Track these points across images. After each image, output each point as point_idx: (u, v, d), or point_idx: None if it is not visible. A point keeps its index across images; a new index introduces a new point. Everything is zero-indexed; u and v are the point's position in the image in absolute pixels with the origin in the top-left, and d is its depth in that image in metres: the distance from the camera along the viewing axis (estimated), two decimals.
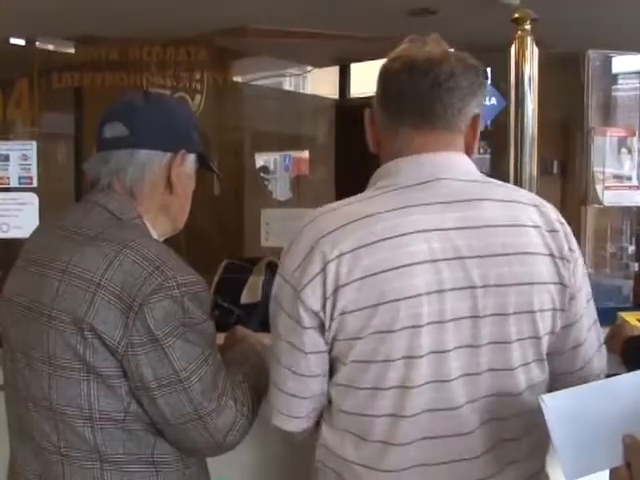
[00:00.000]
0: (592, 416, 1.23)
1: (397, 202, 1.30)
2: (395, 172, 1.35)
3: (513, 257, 1.30)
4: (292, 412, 1.39)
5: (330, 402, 1.37)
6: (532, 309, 1.31)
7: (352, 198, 1.35)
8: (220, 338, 2.12)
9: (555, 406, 1.22)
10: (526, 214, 1.34)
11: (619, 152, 2.20)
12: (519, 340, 1.32)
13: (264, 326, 2.23)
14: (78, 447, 1.35)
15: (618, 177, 2.19)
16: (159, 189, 1.49)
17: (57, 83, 3.83)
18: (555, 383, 1.39)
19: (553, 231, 1.35)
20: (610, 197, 2.16)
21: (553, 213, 1.38)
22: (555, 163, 4.32)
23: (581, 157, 2.38)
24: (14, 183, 2.60)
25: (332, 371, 1.35)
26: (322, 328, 1.29)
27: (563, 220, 1.39)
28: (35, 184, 2.61)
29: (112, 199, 1.45)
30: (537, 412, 1.26)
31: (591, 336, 1.42)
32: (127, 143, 1.46)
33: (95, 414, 1.33)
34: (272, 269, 2.64)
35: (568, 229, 1.38)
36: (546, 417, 1.22)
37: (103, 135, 1.49)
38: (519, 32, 2.04)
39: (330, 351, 1.32)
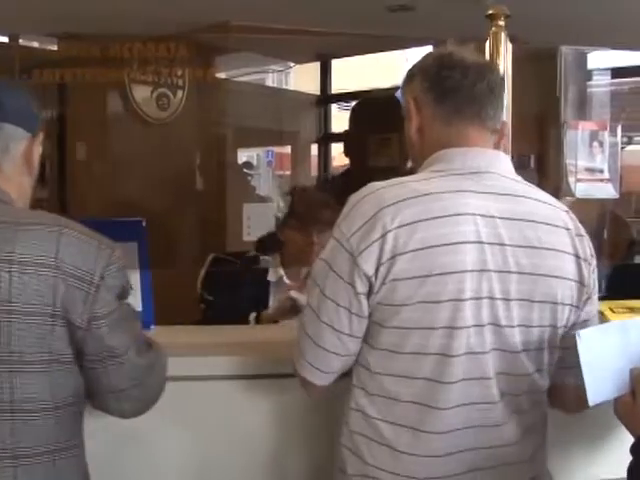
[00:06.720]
0: (613, 350, 1.39)
1: (452, 186, 1.44)
2: (448, 160, 1.48)
3: (546, 251, 1.44)
4: (323, 366, 1.48)
5: (365, 367, 1.46)
6: (555, 300, 1.45)
7: (409, 177, 1.50)
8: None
9: (588, 339, 1.38)
10: (559, 216, 1.49)
11: (591, 145, 2.25)
12: (540, 327, 1.45)
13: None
14: (34, 443, 1.32)
15: (590, 170, 2.23)
16: (21, 168, 1.45)
17: (39, 80, 3.84)
18: (561, 376, 1.52)
19: (580, 235, 1.50)
20: (582, 189, 2.20)
21: (578, 221, 1.53)
22: (532, 157, 4.37)
23: (556, 151, 2.42)
24: None
25: (367, 335, 1.45)
26: (370, 293, 1.40)
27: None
28: None
29: None
30: (542, 392, 1.49)
31: None
32: None
33: (58, 403, 1.34)
34: (217, 264, 2.72)
35: (588, 237, 1.54)
36: (579, 350, 1.36)
37: None
38: (493, 28, 2.07)
39: (369, 315, 1.43)
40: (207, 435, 1.79)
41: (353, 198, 1.46)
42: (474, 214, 1.41)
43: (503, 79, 1.56)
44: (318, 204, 2.66)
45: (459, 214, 1.40)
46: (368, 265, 1.38)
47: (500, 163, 1.51)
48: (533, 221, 1.45)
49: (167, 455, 1.78)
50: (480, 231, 1.40)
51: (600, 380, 1.37)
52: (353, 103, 4.34)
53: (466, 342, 1.39)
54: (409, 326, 1.39)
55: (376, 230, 1.38)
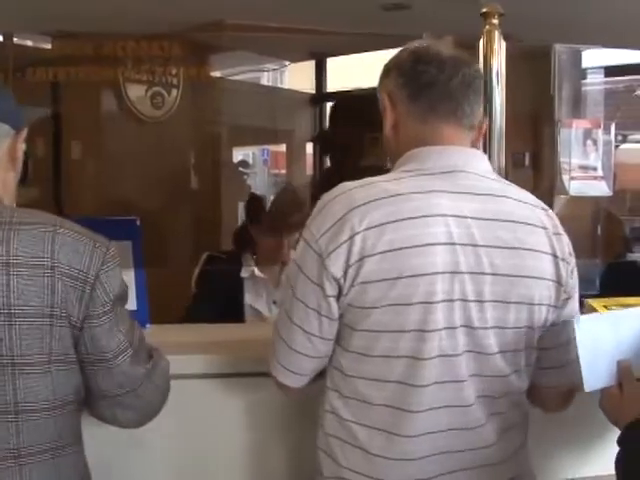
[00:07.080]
0: (606, 339, 1.41)
1: (424, 186, 1.40)
2: (423, 159, 1.45)
3: (522, 252, 1.41)
4: (295, 368, 1.47)
5: (338, 369, 1.45)
6: (532, 301, 1.42)
7: (381, 177, 1.45)
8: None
9: (585, 325, 1.39)
10: (536, 215, 1.46)
11: (585, 144, 2.26)
12: (516, 328, 1.42)
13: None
14: (37, 442, 1.33)
15: (584, 168, 2.24)
16: (6, 164, 1.45)
17: (32, 78, 3.84)
18: (539, 377, 1.51)
19: (558, 234, 1.47)
20: (576, 187, 2.21)
21: (556, 219, 1.49)
22: (527, 155, 4.38)
23: (550, 149, 2.43)
24: None
25: (340, 337, 1.44)
26: (339, 295, 1.38)
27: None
28: None
29: None
30: (521, 393, 1.47)
31: None
32: None
33: (58, 402, 1.34)
34: (211, 262, 2.73)
35: (567, 236, 1.50)
36: (577, 335, 1.38)
37: None
38: (487, 26, 2.08)
39: (340, 317, 1.41)
40: (186, 434, 1.78)
41: (325, 198, 1.43)
42: (445, 215, 1.37)
43: (481, 72, 1.52)
44: (289, 206, 2.67)
45: (429, 215, 1.37)
46: (336, 267, 1.36)
47: (477, 162, 1.47)
48: (508, 221, 1.42)
49: (151, 453, 1.76)
50: (452, 232, 1.37)
51: (596, 367, 1.38)
52: None
53: (438, 345, 1.37)
54: (379, 329, 1.37)
55: (344, 232, 1.36)
